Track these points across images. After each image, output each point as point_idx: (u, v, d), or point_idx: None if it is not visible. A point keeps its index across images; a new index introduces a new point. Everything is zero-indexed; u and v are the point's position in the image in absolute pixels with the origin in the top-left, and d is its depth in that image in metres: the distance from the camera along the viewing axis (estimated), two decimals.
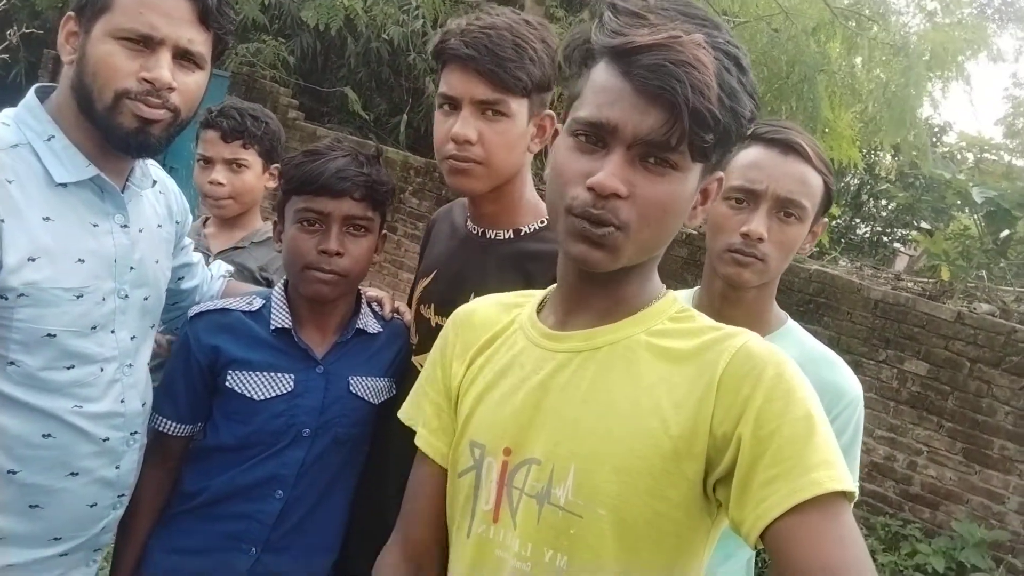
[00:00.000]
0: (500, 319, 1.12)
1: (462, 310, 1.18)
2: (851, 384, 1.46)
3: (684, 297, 1.58)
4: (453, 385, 1.11)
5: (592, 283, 0.99)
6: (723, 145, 0.90)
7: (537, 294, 1.12)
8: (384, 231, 1.59)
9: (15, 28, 3.76)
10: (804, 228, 1.44)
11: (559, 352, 1.00)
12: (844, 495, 0.81)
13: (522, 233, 1.51)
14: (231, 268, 1.88)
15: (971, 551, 4.65)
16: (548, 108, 1.49)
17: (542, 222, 1.50)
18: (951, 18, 7.17)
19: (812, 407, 0.85)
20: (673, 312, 1.01)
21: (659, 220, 0.91)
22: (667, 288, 1.05)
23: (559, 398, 0.97)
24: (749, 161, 1.44)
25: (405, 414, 1.18)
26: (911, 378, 5.22)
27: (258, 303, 1.54)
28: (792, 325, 1.53)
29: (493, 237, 1.52)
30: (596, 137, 0.90)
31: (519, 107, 1.41)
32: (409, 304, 1.66)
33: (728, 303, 1.47)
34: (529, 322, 1.07)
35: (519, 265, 1.45)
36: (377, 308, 1.63)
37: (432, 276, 1.57)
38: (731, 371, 0.89)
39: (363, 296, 1.62)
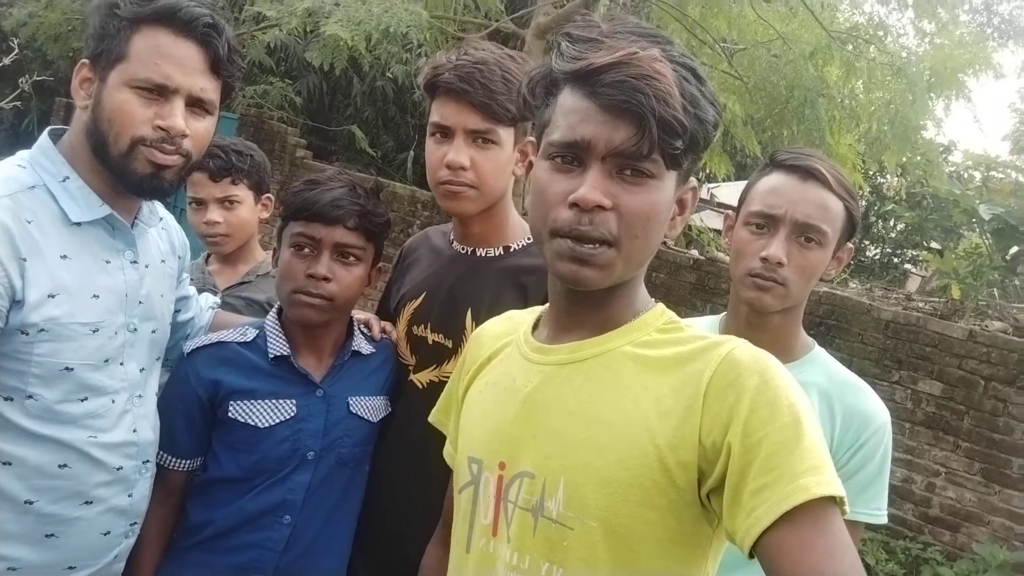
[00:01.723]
0: (505, 334, 1.15)
1: (480, 327, 1.23)
2: (878, 410, 1.45)
3: (711, 323, 1.60)
4: (461, 392, 1.17)
5: (581, 302, 1.01)
6: (692, 152, 0.93)
7: (538, 311, 1.15)
8: (380, 264, 1.63)
9: (27, 77, 3.86)
10: (826, 253, 1.45)
11: (546, 365, 1.02)
12: (834, 500, 0.81)
13: (511, 249, 1.59)
14: (218, 300, 1.91)
15: (994, 574, 4.56)
16: (529, 135, 1.57)
17: (529, 239, 1.58)
18: (950, 38, 7.23)
19: (800, 412, 0.85)
20: (661, 323, 1.01)
21: (644, 230, 0.93)
22: (656, 301, 1.06)
23: (547, 411, 0.98)
24: (769, 187, 1.46)
25: (434, 418, 1.26)
26: (925, 398, 5.17)
27: (252, 333, 1.57)
28: (819, 352, 1.53)
29: (484, 255, 1.60)
30: (572, 156, 0.93)
31: (507, 135, 1.53)
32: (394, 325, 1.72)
33: (753, 329, 1.47)
34: (523, 337, 1.09)
35: (514, 279, 1.54)
36: (365, 330, 1.67)
37: (421, 298, 1.62)
38: (717, 380, 0.89)
39: (353, 319, 1.66)
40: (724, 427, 0.86)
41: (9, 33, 8.05)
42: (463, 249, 1.62)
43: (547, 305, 1.11)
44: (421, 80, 1.57)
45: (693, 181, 1.01)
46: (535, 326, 1.10)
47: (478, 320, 1.43)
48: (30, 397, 1.26)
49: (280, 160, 8.65)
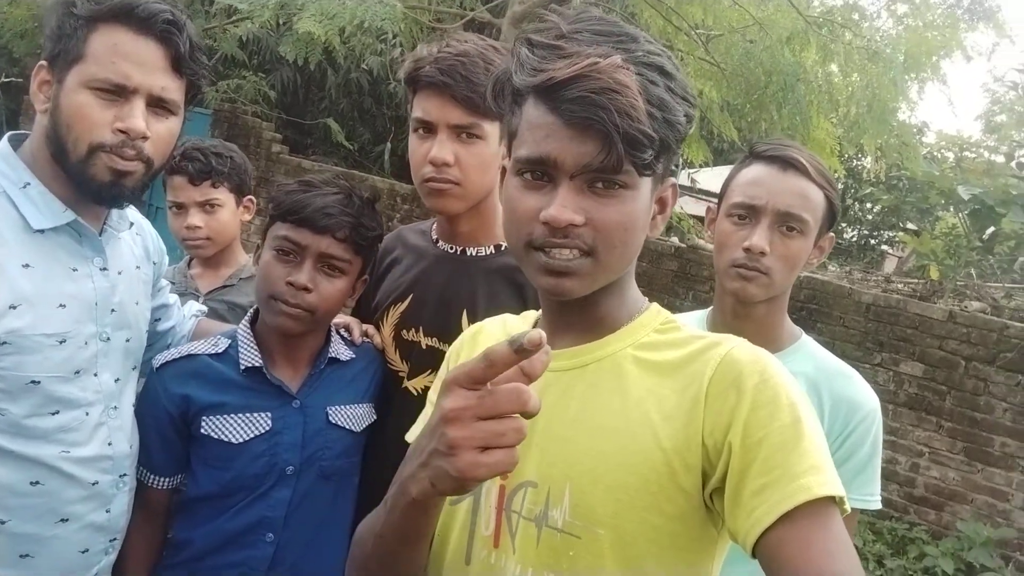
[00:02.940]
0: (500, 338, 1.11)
1: (473, 327, 1.19)
2: (867, 397, 1.46)
3: (699, 317, 1.61)
4: None
5: (570, 308, 0.99)
6: (665, 154, 0.91)
7: (533, 316, 1.12)
8: (365, 276, 1.57)
9: None
10: (807, 242, 1.46)
11: (547, 372, 0.99)
12: (833, 500, 0.81)
13: (503, 248, 1.54)
14: (204, 308, 1.86)
15: (979, 551, 4.62)
16: None
17: None
18: (922, 20, 7.27)
19: (800, 411, 0.85)
20: (658, 324, 1.01)
21: (622, 240, 0.92)
22: (651, 301, 1.05)
23: (550, 419, 0.96)
24: (749, 179, 1.47)
25: (412, 435, 1.16)
26: (907, 380, 5.22)
27: (223, 344, 1.50)
28: (806, 340, 1.55)
29: (475, 254, 1.55)
30: (540, 172, 0.91)
31: (492, 129, 1.47)
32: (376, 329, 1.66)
33: (739, 319, 1.48)
34: None
35: (509, 277, 1.49)
36: (345, 334, 1.60)
37: (408, 300, 1.57)
38: (717, 380, 0.89)
39: (331, 323, 1.59)
40: (725, 427, 0.86)
41: None
42: (451, 248, 1.56)
43: (541, 310, 1.09)
44: (402, 74, 1.51)
45: (672, 180, 0.99)
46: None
47: (474, 321, 1.39)
48: None
49: (256, 155, 8.54)
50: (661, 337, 0.99)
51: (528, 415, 0.76)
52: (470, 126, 1.44)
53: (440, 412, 0.76)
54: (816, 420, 0.87)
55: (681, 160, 9.99)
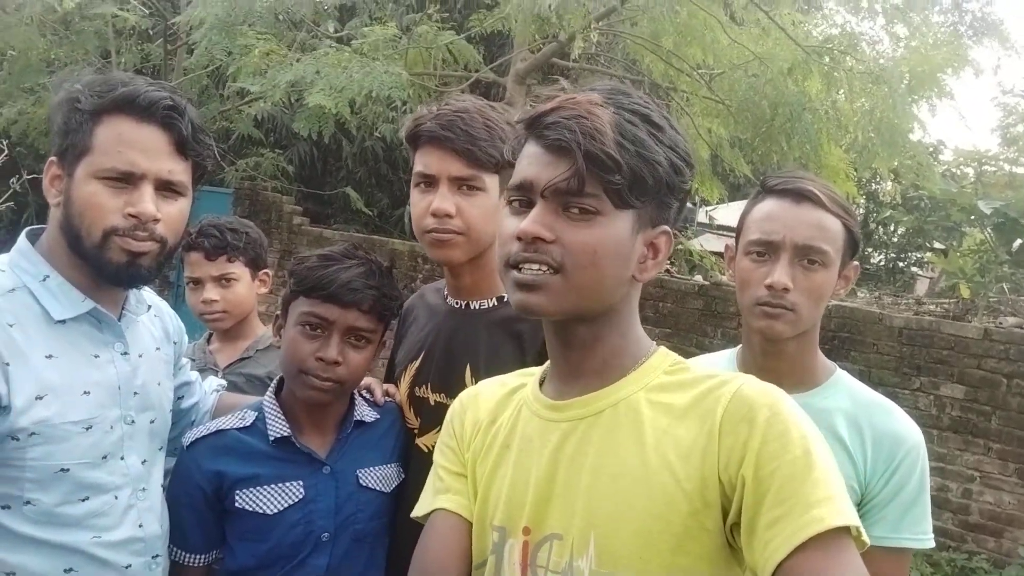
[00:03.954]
0: (504, 399, 1.13)
1: (468, 391, 1.20)
2: (910, 430, 1.41)
3: (728, 357, 1.58)
4: (467, 458, 1.12)
5: (572, 345, 1.02)
6: (641, 190, 0.94)
7: (537, 371, 1.13)
8: (384, 340, 1.59)
9: (18, 176, 3.90)
10: (830, 273, 1.42)
11: (562, 422, 1.01)
12: (847, 530, 0.82)
13: (505, 299, 1.54)
14: (224, 383, 1.88)
15: None
16: None
17: None
18: (924, 40, 7.31)
19: (810, 444, 0.87)
20: (667, 366, 1.02)
21: (592, 263, 0.94)
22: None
23: (569, 469, 0.97)
24: (764, 214, 1.45)
25: (420, 508, 1.15)
26: (949, 403, 5.08)
27: (251, 417, 1.51)
28: (842, 375, 1.50)
29: (477, 307, 1.56)
30: (524, 199, 0.98)
31: (491, 182, 1.50)
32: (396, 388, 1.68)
33: (770, 357, 1.45)
34: (532, 396, 1.08)
35: (508, 327, 1.49)
36: (368, 395, 1.62)
37: (421, 358, 1.59)
38: (729, 416, 0.90)
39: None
40: (738, 461, 0.87)
41: (2, 132, 8.18)
42: (456, 303, 1.59)
43: (548, 364, 1.10)
44: (403, 133, 1.55)
45: (664, 227, 1.01)
46: (541, 383, 1.09)
47: (477, 376, 1.39)
48: (28, 503, 1.23)
49: (278, 228, 8.71)
50: (671, 379, 1.00)
51: None
52: (470, 178, 1.47)
53: None
54: (828, 452, 0.88)
55: (697, 198, 10.01)
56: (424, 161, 1.49)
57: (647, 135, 0.94)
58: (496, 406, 1.12)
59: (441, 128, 1.45)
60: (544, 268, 0.94)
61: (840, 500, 0.83)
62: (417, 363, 1.59)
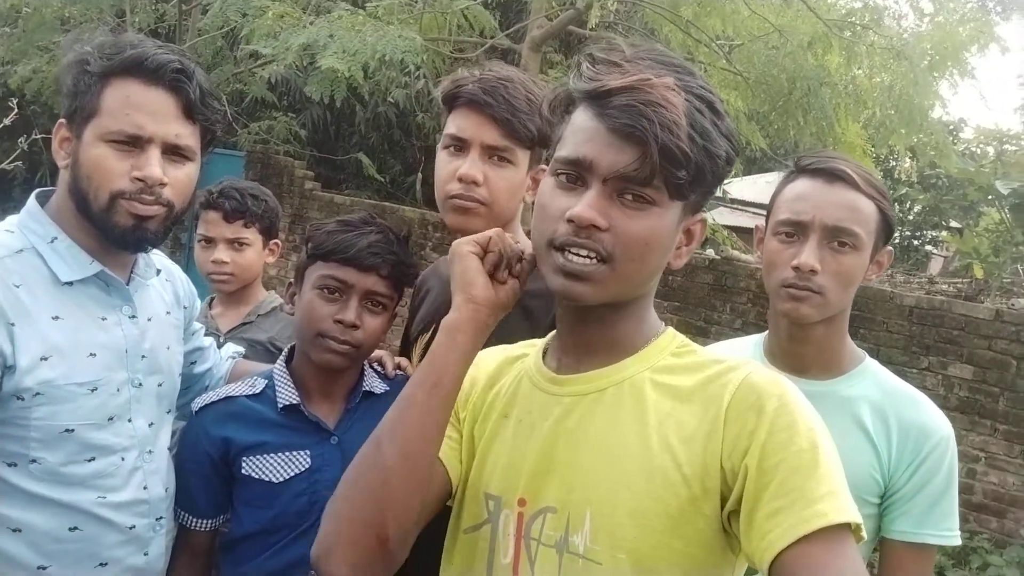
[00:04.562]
0: (504, 366, 1.12)
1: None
2: (939, 423, 1.39)
3: (755, 342, 1.55)
4: (465, 415, 1.10)
5: (588, 323, 1.00)
6: (699, 184, 0.92)
7: (539, 342, 1.12)
8: (396, 311, 1.59)
9: (25, 136, 3.89)
10: (861, 257, 1.38)
11: (565, 396, 1.00)
12: (848, 527, 0.82)
13: None
14: (241, 349, 1.89)
15: None
16: (542, 164, 1.52)
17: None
18: (950, 16, 7.16)
19: (817, 437, 0.86)
20: (674, 347, 1.01)
21: (641, 254, 0.93)
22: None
23: (569, 444, 0.96)
24: (795, 194, 1.40)
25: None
26: (957, 383, 5.07)
27: (260, 384, 1.52)
28: (870, 363, 1.47)
29: None
30: (575, 175, 0.93)
31: (523, 157, 1.47)
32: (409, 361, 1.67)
33: (796, 342, 1.42)
34: (535, 367, 1.07)
35: (520, 302, 1.47)
36: (379, 368, 1.62)
37: (432, 330, 1.57)
38: (736, 404, 0.89)
39: None
40: (743, 450, 0.87)
41: (16, 90, 8.17)
42: None
43: (551, 335, 1.10)
44: (441, 92, 1.51)
45: (703, 214, 1.00)
46: (544, 355, 1.08)
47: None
48: (34, 461, 1.25)
49: (289, 193, 8.70)
50: (678, 361, 0.99)
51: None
52: (504, 149, 1.43)
53: None
54: (833, 447, 0.87)
55: None
56: (459, 124, 1.45)
57: (711, 125, 0.91)
58: (496, 370, 1.12)
59: (483, 92, 1.41)
60: (593, 257, 0.91)
61: (843, 497, 0.83)
62: (428, 336, 1.58)
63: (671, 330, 1.04)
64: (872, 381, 1.43)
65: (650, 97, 0.87)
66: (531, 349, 1.12)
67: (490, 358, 1.14)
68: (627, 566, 0.89)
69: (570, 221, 0.91)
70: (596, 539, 0.91)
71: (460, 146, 1.45)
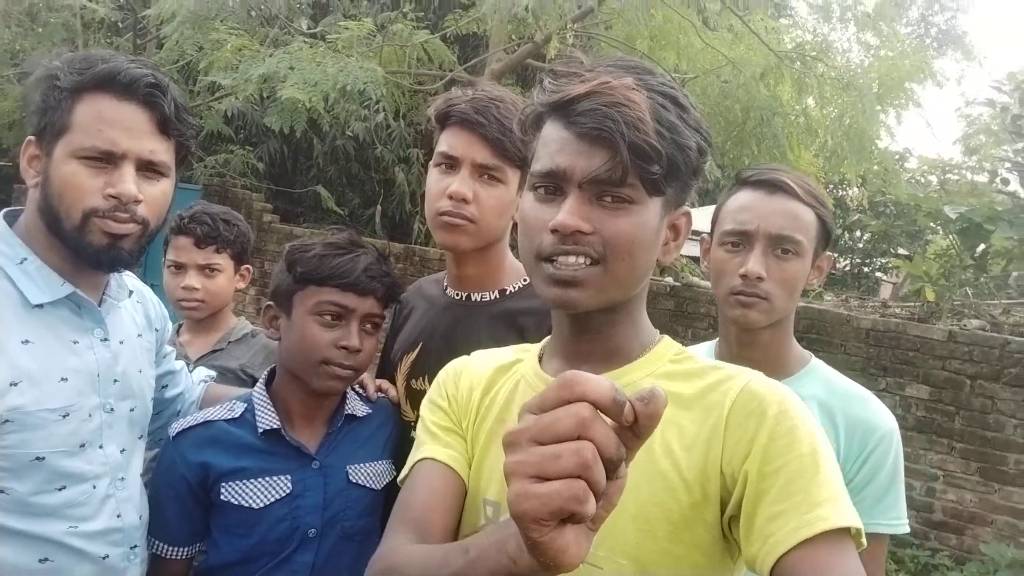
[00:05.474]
0: (497, 374, 1.11)
1: (459, 359, 1.18)
2: (883, 418, 1.43)
3: (706, 349, 1.59)
4: (463, 418, 1.09)
5: (585, 332, 1.00)
6: (674, 177, 0.93)
7: (533, 347, 1.12)
8: None
9: None
10: (804, 263, 1.45)
11: None
12: (848, 532, 0.82)
13: (507, 292, 1.54)
14: (213, 373, 1.85)
15: (1004, 573, 4.52)
16: None
17: (525, 280, 1.53)
18: (893, 49, 7.46)
19: (817, 443, 0.87)
20: (672, 354, 1.02)
21: (630, 252, 0.93)
22: (661, 333, 1.06)
23: None
24: (738, 205, 1.47)
25: (406, 468, 1.10)
26: (914, 403, 5.18)
27: (239, 408, 1.48)
28: (816, 363, 1.52)
29: (479, 299, 1.54)
30: (553, 186, 0.94)
31: (513, 176, 1.48)
32: (391, 381, 1.65)
33: (745, 347, 1.47)
34: (533, 373, 1.06)
35: (511, 321, 1.48)
36: (360, 390, 1.59)
37: (418, 350, 1.57)
38: (736, 411, 0.90)
39: None
40: (743, 455, 0.87)
41: None
42: (457, 295, 1.57)
43: (546, 341, 1.09)
44: (433, 110, 1.52)
45: (685, 208, 1.01)
46: (540, 360, 1.08)
47: None
48: (1, 491, 1.19)
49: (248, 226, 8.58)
50: (677, 367, 0.99)
51: (605, 454, 0.62)
52: (494, 168, 1.45)
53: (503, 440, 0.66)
54: (832, 453, 0.88)
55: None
56: (450, 142, 1.46)
57: (678, 119, 0.92)
58: (492, 375, 1.11)
59: (475, 111, 1.43)
60: (584, 260, 0.92)
61: (844, 501, 0.83)
62: (413, 355, 1.57)
63: (667, 338, 1.05)
64: (819, 381, 1.47)
65: (612, 99, 0.88)
66: (524, 355, 1.12)
67: (484, 364, 1.14)
68: (628, 571, 0.89)
69: (554, 231, 0.91)
70: (598, 544, 0.90)
71: (451, 164, 1.47)
